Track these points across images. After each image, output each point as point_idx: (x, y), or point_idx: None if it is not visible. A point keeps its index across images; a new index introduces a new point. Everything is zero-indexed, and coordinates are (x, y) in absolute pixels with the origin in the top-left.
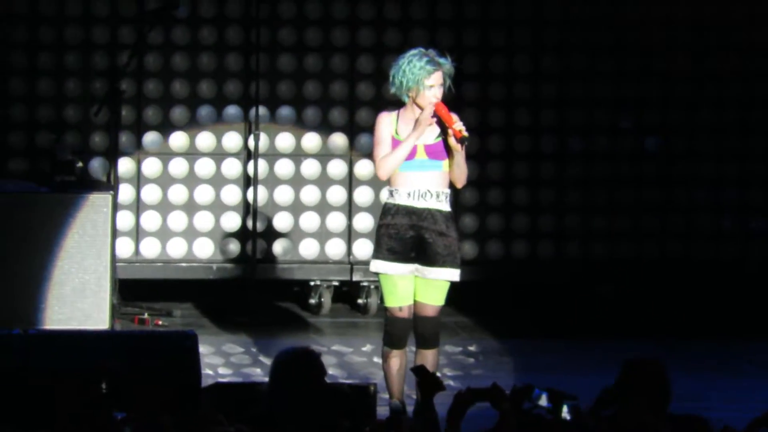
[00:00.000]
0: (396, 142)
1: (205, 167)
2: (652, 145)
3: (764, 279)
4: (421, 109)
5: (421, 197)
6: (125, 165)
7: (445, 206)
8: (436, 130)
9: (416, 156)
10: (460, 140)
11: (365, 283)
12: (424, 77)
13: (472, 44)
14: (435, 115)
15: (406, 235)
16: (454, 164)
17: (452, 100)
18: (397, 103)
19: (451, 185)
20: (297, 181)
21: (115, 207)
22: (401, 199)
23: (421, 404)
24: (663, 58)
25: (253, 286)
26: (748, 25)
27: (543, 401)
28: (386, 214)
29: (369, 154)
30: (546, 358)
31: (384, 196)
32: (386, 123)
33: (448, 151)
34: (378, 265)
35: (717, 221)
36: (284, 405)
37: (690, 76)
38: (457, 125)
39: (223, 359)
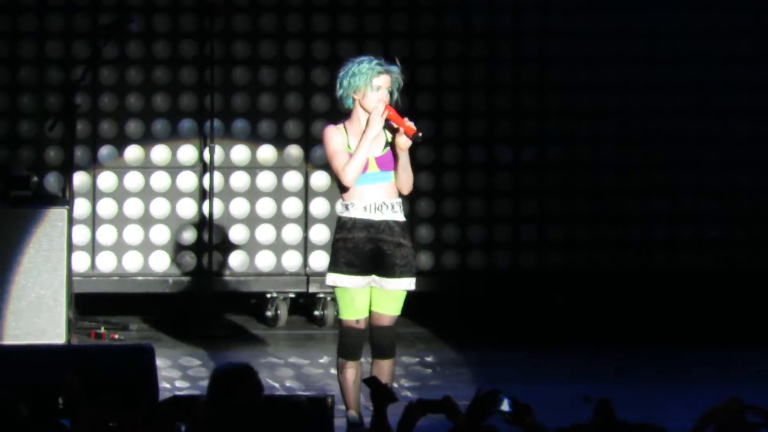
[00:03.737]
0: (349, 156)
1: (160, 181)
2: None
3: (716, 287)
4: (368, 112)
5: (377, 210)
6: (80, 179)
7: (400, 216)
8: (382, 141)
9: (368, 169)
10: (413, 137)
11: (321, 295)
12: (372, 76)
13: (427, 56)
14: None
15: (364, 248)
16: (400, 168)
17: (407, 110)
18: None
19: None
20: (252, 194)
21: (71, 222)
22: (357, 213)
23: (374, 416)
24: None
25: (209, 298)
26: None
27: (505, 406)
28: (342, 228)
29: (324, 166)
30: (504, 369)
31: (338, 209)
32: (336, 134)
33: (394, 161)
34: (335, 278)
35: (672, 230)
36: (220, 421)
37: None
38: (409, 123)
39: (181, 372)
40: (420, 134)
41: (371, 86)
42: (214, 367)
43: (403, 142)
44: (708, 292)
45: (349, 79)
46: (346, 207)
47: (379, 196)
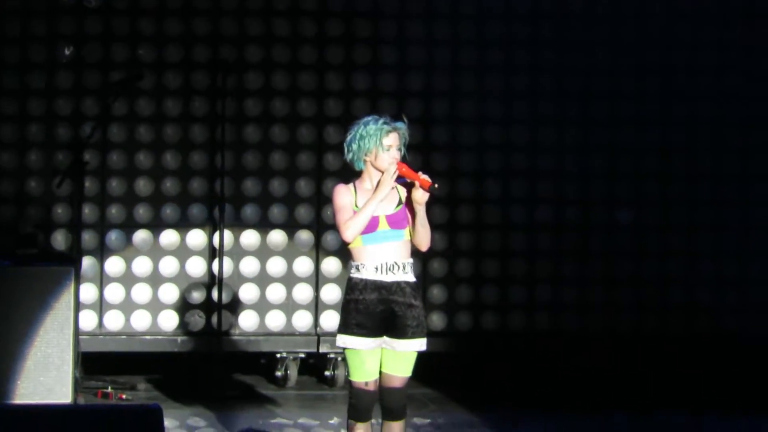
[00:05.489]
0: (354, 214)
1: (169, 239)
2: (624, 217)
3: (738, 352)
4: (381, 172)
5: (389, 270)
6: (88, 237)
7: (411, 277)
8: (395, 199)
9: (379, 227)
10: (430, 189)
11: (332, 355)
12: (382, 137)
13: (442, 115)
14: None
15: (375, 310)
16: (418, 224)
17: (421, 169)
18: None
19: (415, 251)
20: (263, 252)
21: (78, 280)
22: (368, 274)
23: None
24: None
25: (218, 358)
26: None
27: None
28: (353, 289)
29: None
30: None
31: (350, 269)
32: (345, 192)
33: (411, 217)
34: (345, 340)
35: (690, 294)
36: None
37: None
38: (423, 176)
39: None
40: (436, 185)
41: (382, 147)
42: None
43: (420, 196)
44: (730, 357)
45: (359, 143)
46: (357, 268)
47: (390, 255)
